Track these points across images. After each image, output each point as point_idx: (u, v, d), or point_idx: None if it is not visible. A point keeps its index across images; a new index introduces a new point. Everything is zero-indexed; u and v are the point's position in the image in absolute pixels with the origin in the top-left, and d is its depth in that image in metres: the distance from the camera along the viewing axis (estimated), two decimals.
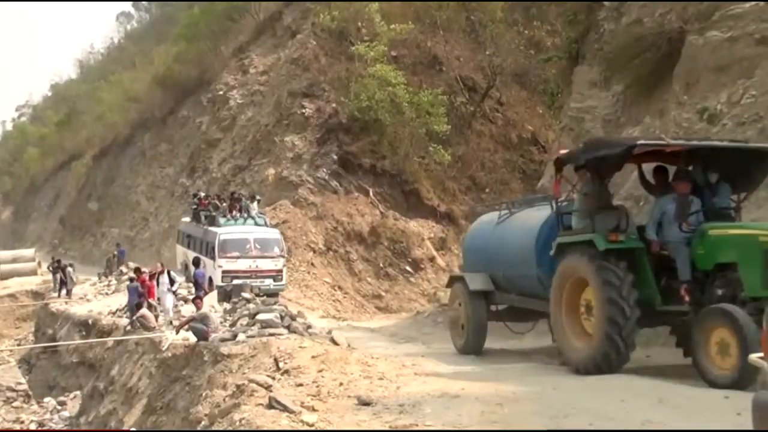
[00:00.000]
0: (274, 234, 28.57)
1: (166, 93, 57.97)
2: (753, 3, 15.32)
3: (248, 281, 25.11)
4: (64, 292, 36.25)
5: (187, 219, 33.81)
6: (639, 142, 12.12)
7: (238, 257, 26.65)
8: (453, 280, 17.18)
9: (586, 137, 21.03)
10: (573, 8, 24.38)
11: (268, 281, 26.46)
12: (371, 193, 36.24)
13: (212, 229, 28.43)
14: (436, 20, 42.35)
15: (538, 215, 14.45)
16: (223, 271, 26.27)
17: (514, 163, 39.79)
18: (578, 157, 13.06)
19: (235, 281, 24.99)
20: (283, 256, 27.79)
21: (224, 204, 30.48)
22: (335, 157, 36.84)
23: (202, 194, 34.30)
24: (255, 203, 30.81)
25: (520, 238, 14.48)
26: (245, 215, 29.58)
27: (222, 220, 28.90)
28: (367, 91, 35.99)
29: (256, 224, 29.24)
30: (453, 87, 40.71)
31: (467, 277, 15.99)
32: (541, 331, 16.46)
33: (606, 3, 21.42)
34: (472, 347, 15.60)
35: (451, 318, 16.85)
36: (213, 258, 26.84)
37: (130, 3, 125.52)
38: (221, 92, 47.89)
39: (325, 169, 36.48)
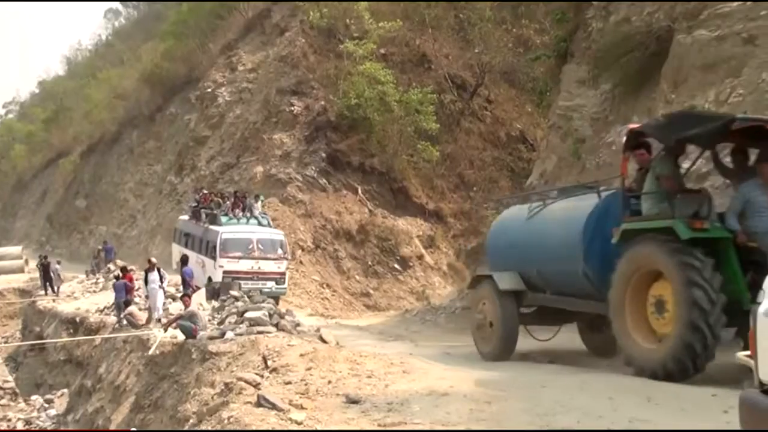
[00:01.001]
0: (278, 235, 27.75)
1: (154, 90, 57.77)
2: (740, 2, 15.36)
3: (249, 283, 24.51)
4: (50, 290, 36.22)
5: (185, 217, 32.76)
6: (738, 116, 10.98)
7: (240, 258, 25.79)
8: (477, 280, 15.70)
9: (575, 136, 21.16)
10: (561, 7, 24.43)
11: (270, 284, 25.70)
12: (360, 191, 36.25)
13: (213, 227, 27.43)
14: (425, 18, 42.36)
15: (582, 204, 13.04)
16: (224, 272, 25.36)
17: (503, 161, 39.87)
18: (659, 133, 11.45)
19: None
20: (286, 259, 27.11)
21: (227, 202, 29.55)
22: (324, 154, 36.83)
23: (206, 191, 33.62)
24: (258, 202, 30.00)
25: (561, 231, 13.14)
26: (248, 214, 28.61)
27: (224, 219, 27.85)
28: (355, 89, 36.00)
29: (260, 224, 28.30)
30: (442, 85, 40.76)
31: (496, 275, 14.60)
32: (530, 329, 16.46)
33: (594, 2, 21.47)
34: (502, 353, 14.29)
35: (476, 322, 15.21)
36: (214, 258, 25.99)
37: (118, 0, 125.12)
38: (209, 90, 47.74)
39: (313, 167, 36.47)
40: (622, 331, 11.38)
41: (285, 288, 26.72)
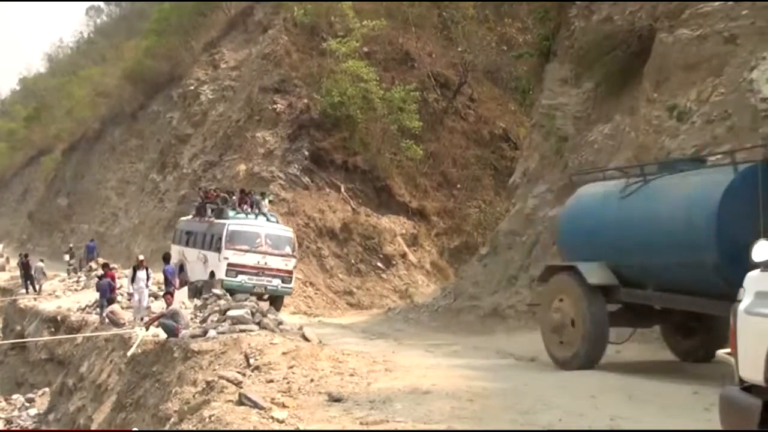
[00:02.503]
0: (287, 232, 26.96)
1: (137, 88, 57.59)
2: (722, 2, 15.43)
3: (254, 279, 24.21)
4: (31, 288, 36.07)
5: (186, 218, 31.43)
6: None
7: (246, 251, 24.79)
8: (553, 271, 13.17)
9: (557, 134, 21.22)
10: (544, 6, 24.48)
11: (276, 281, 24.97)
12: (343, 189, 36.14)
13: (219, 220, 26.40)
14: (408, 17, 42.33)
15: (709, 180, 10.74)
16: (229, 264, 24.40)
17: (486, 159, 39.83)
18: None
19: (240, 276, 24.02)
20: (294, 257, 26.33)
21: (233, 198, 28.45)
22: (307, 153, 36.69)
23: (202, 188, 32.95)
24: (266, 200, 29.02)
25: (680, 212, 10.79)
26: (256, 211, 27.56)
27: (231, 213, 26.78)
28: (339, 87, 35.91)
29: (268, 221, 27.29)
30: (425, 83, 40.68)
31: (582, 267, 12.11)
32: (513, 328, 16.42)
33: (577, 1, 21.52)
34: (587, 360, 11.91)
35: (551, 323, 12.63)
36: (218, 250, 24.98)
37: None
38: (192, 87, 47.59)
39: (296, 165, 36.33)
40: None
41: (291, 287, 26.02)
